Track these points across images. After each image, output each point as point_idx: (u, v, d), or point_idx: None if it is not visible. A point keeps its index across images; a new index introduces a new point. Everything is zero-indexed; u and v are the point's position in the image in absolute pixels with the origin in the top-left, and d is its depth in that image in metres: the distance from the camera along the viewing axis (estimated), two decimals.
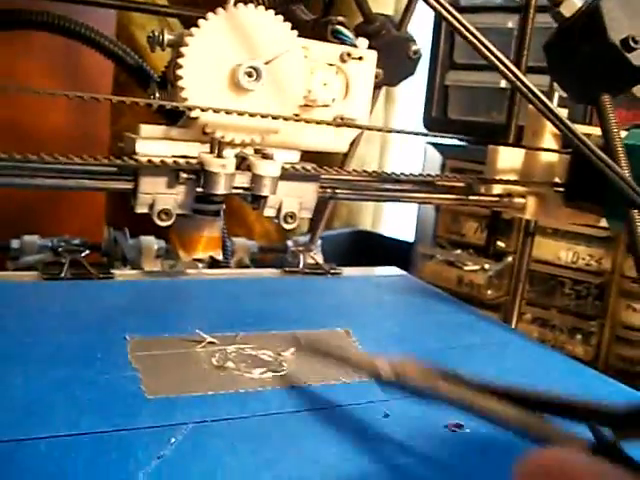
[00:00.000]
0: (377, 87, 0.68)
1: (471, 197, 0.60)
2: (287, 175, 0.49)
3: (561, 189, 0.61)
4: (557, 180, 0.61)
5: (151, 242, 0.71)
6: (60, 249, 0.64)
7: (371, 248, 1.38)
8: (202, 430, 0.32)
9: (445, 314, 0.54)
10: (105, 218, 1.21)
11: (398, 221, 1.57)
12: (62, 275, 0.53)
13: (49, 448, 0.29)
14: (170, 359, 0.40)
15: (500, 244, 0.94)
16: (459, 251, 1.00)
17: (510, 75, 0.50)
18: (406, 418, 0.36)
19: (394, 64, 0.65)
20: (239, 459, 0.30)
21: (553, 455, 0.22)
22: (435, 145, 0.98)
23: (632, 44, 0.45)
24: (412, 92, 1.32)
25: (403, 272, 0.65)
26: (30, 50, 1.05)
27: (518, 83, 0.50)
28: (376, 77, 0.65)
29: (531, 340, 0.53)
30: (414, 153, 1.27)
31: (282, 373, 0.39)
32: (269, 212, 0.50)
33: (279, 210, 0.50)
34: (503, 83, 0.90)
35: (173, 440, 0.31)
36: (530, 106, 0.62)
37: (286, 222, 0.50)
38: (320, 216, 0.76)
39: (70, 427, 0.31)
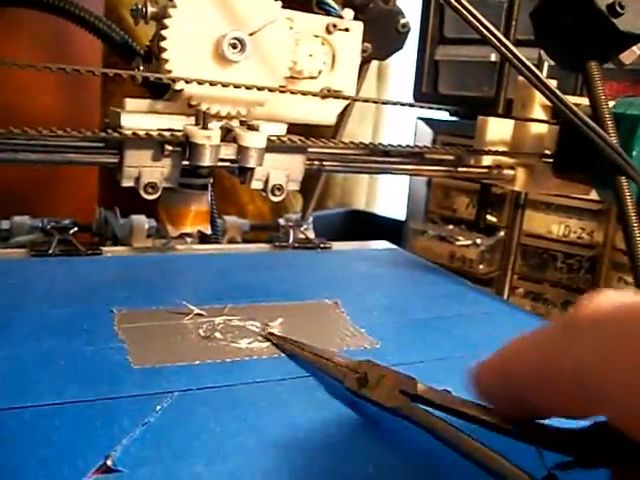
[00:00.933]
0: (366, 61, 0.68)
1: (460, 169, 0.60)
2: (273, 147, 0.49)
3: (550, 160, 0.61)
4: (546, 152, 0.61)
5: (142, 221, 0.71)
6: (50, 228, 0.64)
7: (365, 227, 1.38)
8: (187, 398, 0.32)
9: (434, 285, 0.54)
10: (97, 201, 1.21)
11: (392, 200, 1.57)
12: (50, 252, 0.53)
13: (34, 416, 0.29)
14: (157, 330, 0.40)
15: (492, 219, 0.93)
16: (451, 226, 0.99)
17: (500, 46, 0.50)
18: None
19: (382, 38, 0.65)
20: (224, 425, 0.30)
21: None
22: (426, 120, 0.97)
23: (618, 9, 0.45)
24: (405, 69, 1.31)
25: (393, 246, 0.65)
26: (18, 33, 1.04)
27: (508, 54, 0.50)
28: (365, 51, 0.65)
29: (519, 309, 0.53)
30: (407, 132, 1.27)
31: (269, 343, 0.39)
32: (256, 184, 0.50)
33: (266, 182, 0.50)
34: (493, 57, 0.89)
35: (158, 408, 0.31)
36: (519, 78, 0.62)
37: (273, 194, 0.50)
38: (311, 193, 0.76)
39: (55, 396, 0.31)
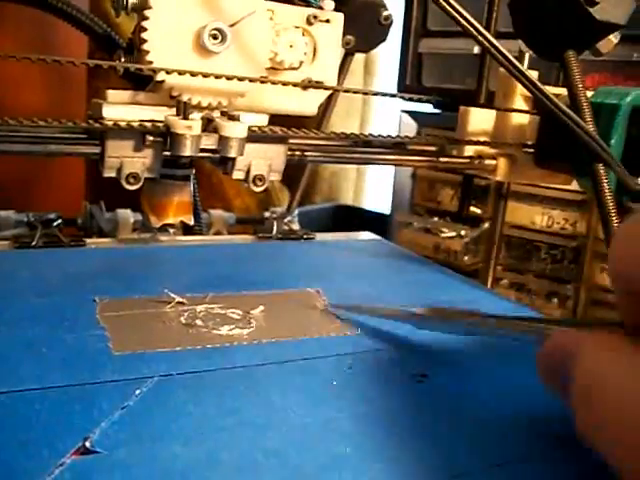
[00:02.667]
0: (349, 54, 0.68)
1: (442, 159, 0.60)
2: (255, 137, 0.49)
3: (532, 150, 0.61)
4: (528, 142, 0.62)
5: (127, 215, 0.71)
6: (34, 221, 0.64)
7: (352, 222, 1.38)
8: (167, 382, 0.33)
9: (417, 274, 0.54)
10: (84, 197, 1.21)
11: (379, 195, 1.57)
12: (33, 244, 0.53)
13: (14, 401, 0.30)
14: (138, 318, 0.40)
15: (476, 210, 0.94)
16: (436, 219, 1.00)
17: (480, 38, 0.50)
18: (372, 370, 0.36)
19: (365, 30, 0.65)
20: (203, 408, 0.31)
21: (565, 335, 0.23)
22: (410, 113, 0.98)
23: None
24: (391, 65, 1.32)
25: (377, 237, 0.66)
26: (1, 29, 1.04)
27: (488, 46, 0.50)
28: (347, 44, 0.65)
29: (500, 297, 0.53)
30: (393, 126, 1.27)
31: (250, 330, 0.40)
32: (238, 175, 0.50)
33: (248, 173, 0.50)
34: (477, 49, 0.90)
35: (138, 392, 0.31)
36: (500, 69, 0.62)
37: (255, 184, 0.50)
38: (297, 185, 0.76)
39: (35, 382, 0.31)
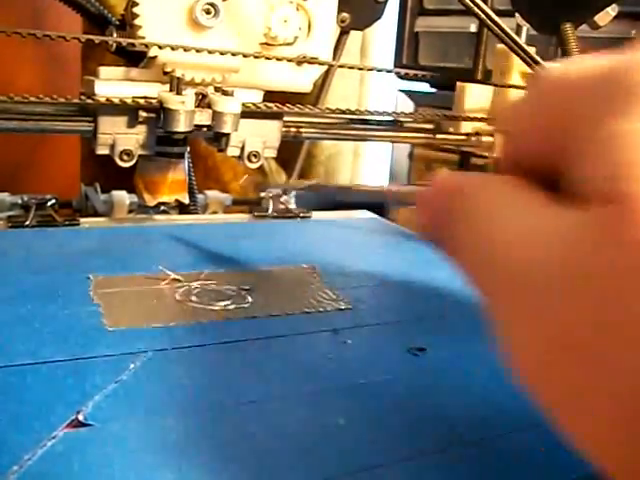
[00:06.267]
0: (345, 32, 0.67)
1: (439, 135, 0.60)
2: (249, 113, 0.48)
3: None
4: None
5: (123, 197, 0.70)
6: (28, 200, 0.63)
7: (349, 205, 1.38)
8: (162, 357, 0.32)
9: (412, 251, 0.54)
10: (81, 181, 1.20)
11: (376, 178, 1.57)
12: (27, 223, 0.52)
13: (6, 375, 0.29)
14: (132, 295, 0.40)
15: None
16: None
17: (479, 12, 0.50)
18: (368, 344, 0.36)
19: (361, 8, 0.64)
20: (198, 382, 0.30)
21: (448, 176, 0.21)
22: (407, 92, 0.97)
23: None
24: (388, 47, 1.31)
25: (373, 215, 0.65)
26: None
27: (487, 20, 0.50)
28: (343, 21, 0.65)
29: None
30: (390, 106, 1.27)
31: (245, 306, 0.40)
32: (233, 151, 0.50)
33: (242, 149, 0.50)
34: (473, 27, 0.89)
35: (132, 366, 0.31)
36: (498, 46, 0.62)
37: (250, 161, 0.50)
38: (293, 167, 0.75)
39: (28, 357, 0.31)
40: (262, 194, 0.75)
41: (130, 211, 0.71)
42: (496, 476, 0.26)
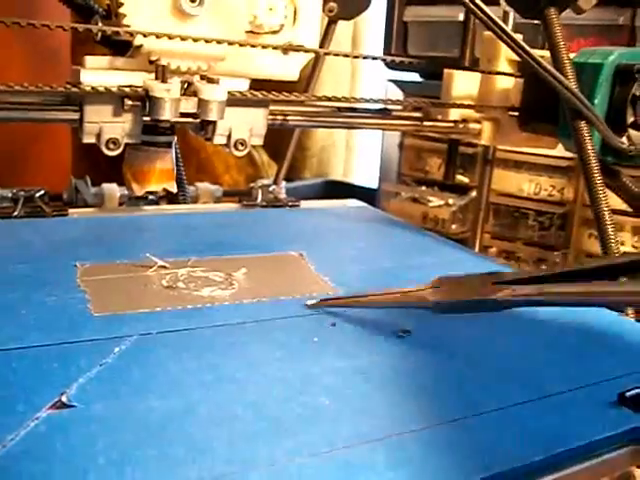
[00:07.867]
0: (333, 22, 0.67)
1: (426, 123, 0.60)
2: (235, 100, 0.49)
3: (516, 113, 0.61)
4: (513, 106, 0.61)
5: (113, 189, 0.70)
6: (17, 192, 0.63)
7: (342, 198, 1.38)
8: (147, 341, 0.33)
9: (400, 237, 0.54)
10: (72, 174, 1.20)
11: (369, 170, 1.57)
12: (15, 214, 0.52)
13: None
14: (119, 282, 0.40)
15: (463, 179, 0.94)
16: (423, 188, 1.00)
17: (467, 1, 0.50)
18: (354, 326, 0.36)
19: None
20: (182, 364, 0.31)
21: None
22: (396, 82, 0.97)
23: None
24: (379, 38, 1.31)
25: (362, 204, 0.65)
26: None
27: (475, 8, 0.50)
28: (331, 11, 0.65)
29: (482, 257, 0.53)
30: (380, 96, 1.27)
31: (232, 291, 0.40)
32: (219, 139, 0.50)
33: (229, 137, 0.50)
34: (461, 16, 0.89)
35: (117, 350, 0.31)
36: (485, 33, 0.62)
37: (237, 149, 0.50)
38: (284, 155, 0.76)
39: (13, 342, 0.31)
40: (251, 184, 0.75)
41: (120, 203, 0.71)
42: (476, 454, 0.26)
